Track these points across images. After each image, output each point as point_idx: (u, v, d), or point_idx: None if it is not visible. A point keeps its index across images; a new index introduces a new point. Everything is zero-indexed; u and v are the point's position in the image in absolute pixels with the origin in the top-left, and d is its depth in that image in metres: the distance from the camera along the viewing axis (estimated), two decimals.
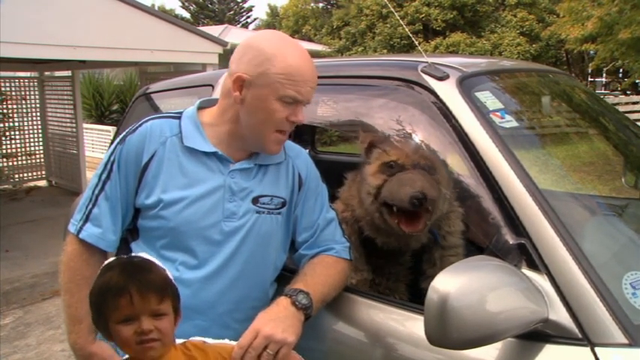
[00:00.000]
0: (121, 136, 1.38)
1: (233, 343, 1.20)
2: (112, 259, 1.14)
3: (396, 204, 1.46)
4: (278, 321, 1.20)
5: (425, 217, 1.46)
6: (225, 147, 1.36)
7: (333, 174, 1.67)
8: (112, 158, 1.35)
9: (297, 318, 1.24)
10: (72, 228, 1.35)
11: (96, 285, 1.08)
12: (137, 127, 1.37)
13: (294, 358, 1.23)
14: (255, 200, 1.36)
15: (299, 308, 1.25)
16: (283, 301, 1.26)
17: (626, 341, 1.00)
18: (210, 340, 1.20)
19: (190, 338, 1.18)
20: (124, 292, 1.03)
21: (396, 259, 1.73)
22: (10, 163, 8.30)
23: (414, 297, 1.66)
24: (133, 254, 1.17)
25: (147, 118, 1.40)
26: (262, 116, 1.29)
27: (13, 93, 8.22)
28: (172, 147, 1.34)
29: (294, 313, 1.24)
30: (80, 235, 1.33)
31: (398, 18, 2.22)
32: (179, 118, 1.39)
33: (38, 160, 8.77)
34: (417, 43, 1.84)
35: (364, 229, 1.64)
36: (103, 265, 1.12)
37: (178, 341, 1.14)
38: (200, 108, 1.43)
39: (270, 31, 1.39)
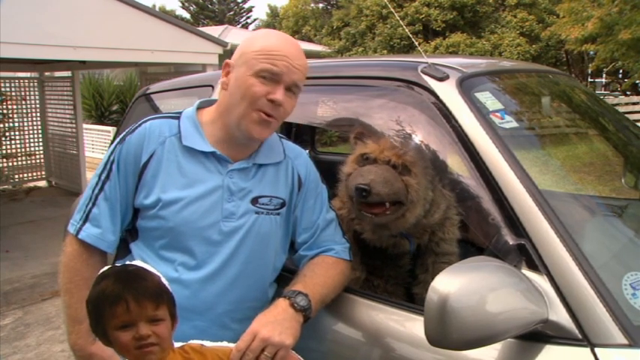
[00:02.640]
0: (120, 137, 1.38)
1: (231, 345, 1.20)
2: (106, 267, 1.15)
3: (349, 192, 1.49)
4: (276, 323, 1.20)
5: (388, 208, 1.46)
6: (224, 146, 1.36)
7: (333, 174, 1.67)
8: (111, 158, 1.35)
9: (296, 320, 1.24)
10: (71, 228, 1.35)
11: (92, 294, 1.09)
12: (136, 128, 1.37)
13: (292, 359, 1.23)
14: (254, 201, 1.36)
15: (297, 310, 1.25)
16: (282, 303, 1.26)
17: (626, 342, 1.00)
18: (208, 343, 1.20)
19: (189, 342, 1.18)
20: (119, 300, 1.04)
21: (394, 262, 1.72)
22: (10, 164, 8.30)
23: (409, 301, 1.66)
24: (127, 262, 1.17)
25: (146, 119, 1.40)
26: (239, 93, 1.29)
27: (13, 93, 8.22)
28: (171, 147, 1.34)
29: (292, 315, 1.24)
30: (79, 236, 1.33)
31: (398, 18, 2.22)
32: (178, 118, 1.39)
33: (38, 161, 8.77)
34: (416, 43, 1.84)
35: (355, 223, 1.65)
36: (98, 273, 1.13)
37: (177, 344, 1.15)
38: (199, 108, 1.43)
39: (267, 29, 1.41)
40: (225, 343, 1.21)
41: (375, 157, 1.49)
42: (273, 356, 1.17)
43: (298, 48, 1.33)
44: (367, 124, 1.60)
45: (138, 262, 1.16)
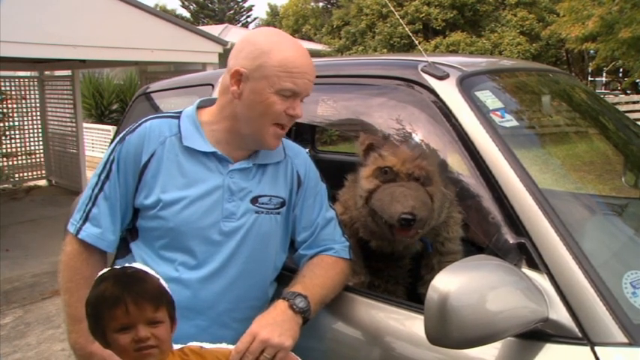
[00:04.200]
0: (120, 136, 1.38)
1: (230, 346, 1.20)
2: (105, 270, 1.15)
3: (385, 218, 1.44)
4: (275, 325, 1.20)
5: (417, 227, 1.44)
6: (224, 146, 1.36)
7: (334, 173, 1.67)
8: (111, 158, 1.35)
9: (295, 321, 1.24)
10: (71, 228, 1.35)
11: (91, 296, 1.09)
12: (136, 127, 1.37)
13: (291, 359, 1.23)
14: (254, 200, 1.36)
15: (296, 312, 1.25)
16: (281, 305, 1.26)
17: (626, 340, 1.00)
18: (207, 345, 1.20)
19: (188, 344, 1.18)
20: (119, 302, 1.04)
21: (395, 263, 1.72)
22: (10, 163, 8.30)
23: (412, 301, 1.65)
24: (126, 265, 1.17)
25: (146, 118, 1.40)
26: (260, 109, 1.28)
27: (13, 92, 8.22)
28: (171, 147, 1.34)
29: (291, 317, 1.24)
30: (79, 235, 1.33)
31: (398, 17, 2.22)
32: (178, 117, 1.39)
33: (38, 160, 8.76)
34: (417, 42, 1.84)
35: (359, 231, 1.64)
36: (97, 276, 1.12)
37: (176, 347, 1.15)
38: (199, 107, 1.43)
39: (267, 28, 1.40)
40: (224, 345, 1.21)
41: (397, 170, 1.46)
42: (273, 358, 1.18)
43: (310, 58, 1.33)
44: (374, 131, 1.57)
45: (137, 265, 1.16)
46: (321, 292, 1.33)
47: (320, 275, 1.36)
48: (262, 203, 1.37)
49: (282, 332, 1.19)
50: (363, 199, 1.52)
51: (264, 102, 1.27)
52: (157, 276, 1.14)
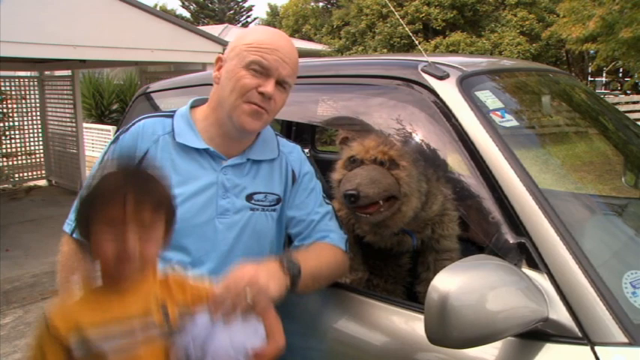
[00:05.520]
0: (114, 136, 1.39)
1: (212, 283, 1.11)
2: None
3: (341, 199, 1.49)
4: (263, 271, 1.12)
5: (382, 205, 1.45)
6: (218, 143, 1.36)
7: None
8: (106, 157, 1.35)
9: (283, 280, 1.17)
10: (67, 228, 1.36)
11: (92, 182, 1.00)
12: (130, 127, 1.38)
13: (271, 313, 1.12)
14: (249, 197, 1.36)
15: (285, 273, 1.18)
16: (272, 262, 1.20)
17: (626, 340, 1.00)
18: (192, 279, 1.12)
19: (174, 270, 1.11)
20: (118, 192, 0.95)
21: (394, 261, 1.72)
22: (10, 163, 8.29)
23: (410, 300, 1.66)
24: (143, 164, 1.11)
25: (140, 117, 1.41)
26: (230, 85, 1.29)
27: (13, 92, 8.22)
28: (165, 145, 1.35)
29: (280, 275, 1.17)
30: (75, 235, 1.33)
31: (398, 17, 2.22)
32: (172, 116, 1.40)
33: (38, 160, 8.76)
34: (417, 42, 1.84)
35: (355, 227, 1.65)
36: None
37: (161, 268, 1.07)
38: (193, 107, 1.44)
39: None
40: (207, 281, 1.12)
41: (362, 158, 1.49)
42: (253, 306, 1.07)
43: (290, 43, 1.34)
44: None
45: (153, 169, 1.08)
46: (314, 264, 1.28)
47: (314, 252, 1.33)
48: (258, 200, 1.37)
49: (270, 278, 1.12)
50: (334, 190, 1.56)
51: (234, 77, 1.29)
52: (169, 185, 1.06)
